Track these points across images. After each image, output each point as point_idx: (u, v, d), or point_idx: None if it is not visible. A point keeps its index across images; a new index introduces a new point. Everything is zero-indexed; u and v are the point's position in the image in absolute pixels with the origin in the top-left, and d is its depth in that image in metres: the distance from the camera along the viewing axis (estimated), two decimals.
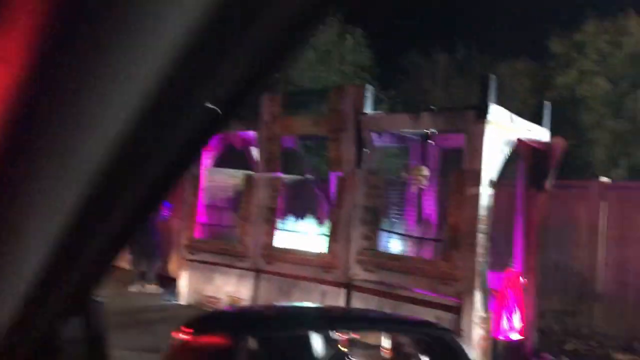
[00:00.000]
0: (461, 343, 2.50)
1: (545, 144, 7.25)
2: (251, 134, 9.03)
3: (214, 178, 9.61)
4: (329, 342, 2.97)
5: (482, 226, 6.30)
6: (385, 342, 5.61)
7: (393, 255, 7.18)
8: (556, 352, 7.40)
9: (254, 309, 3.89)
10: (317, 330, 2.25)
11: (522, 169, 7.36)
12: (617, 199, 8.62)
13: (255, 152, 9.58)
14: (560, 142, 7.12)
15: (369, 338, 5.81)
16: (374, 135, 7.33)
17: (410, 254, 7.26)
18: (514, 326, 6.76)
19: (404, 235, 7.23)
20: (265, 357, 2.29)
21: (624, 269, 8.39)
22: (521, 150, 7.15)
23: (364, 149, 7.38)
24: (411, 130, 7.63)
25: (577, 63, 15.30)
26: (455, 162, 8.08)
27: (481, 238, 6.29)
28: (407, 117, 7.12)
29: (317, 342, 2.62)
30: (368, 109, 7.48)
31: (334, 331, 2.55)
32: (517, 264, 7.18)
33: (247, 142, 9.48)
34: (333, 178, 8.83)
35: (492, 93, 6.42)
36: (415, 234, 7.19)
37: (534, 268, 7.26)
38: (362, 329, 2.84)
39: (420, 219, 8.05)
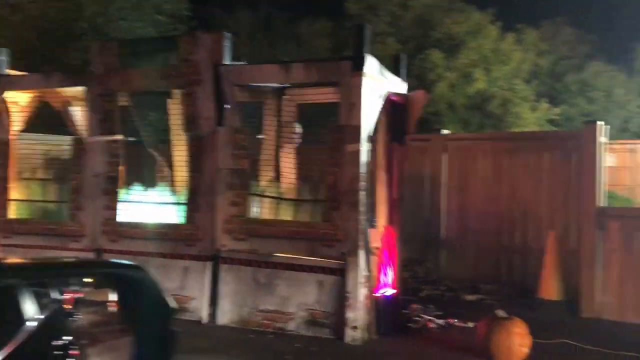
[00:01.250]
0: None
1: (405, 96, 7.22)
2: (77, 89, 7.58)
3: (28, 145, 7.93)
4: (50, 302, 2.85)
5: (363, 183, 6.06)
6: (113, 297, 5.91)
7: (265, 221, 6.61)
8: (417, 300, 7.64)
9: None
10: None
11: (384, 123, 7.27)
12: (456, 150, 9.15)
13: (78, 112, 8.13)
14: (422, 95, 7.15)
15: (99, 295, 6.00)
16: (236, 89, 6.57)
17: (283, 218, 6.75)
18: (388, 282, 6.75)
19: (277, 198, 6.69)
20: None
21: (465, 215, 8.99)
22: (384, 104, 7.03)
23: (225, 105, 6.60)
24: (266, 84, 7.06)
25: (371, 24, 16.35)
26: (314, 117, 7.75)
27: (362, 196, 6.06)
28: (276, 69, 6.49)
29: (27, 303, 2.49)
30: (227, 60, 6.67)
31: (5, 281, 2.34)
32: (383, 219, 7.15)
33: (67, 100, 7.98)
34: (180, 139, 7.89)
35: (367, 43, 6.12)
36: (289, 196, 6.70)
37: (398, 222, 7.31)
38: (37, 278, 2.63)
39: (280, 179, 7.55)
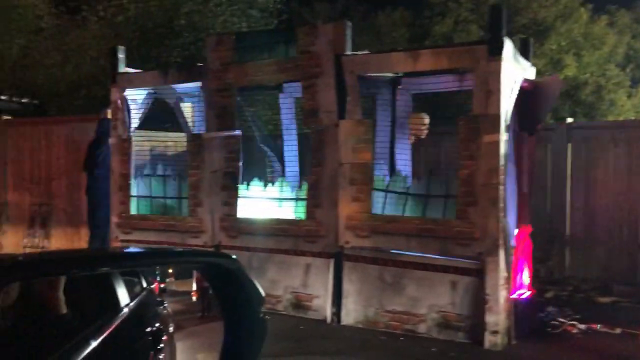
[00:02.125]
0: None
1: (536, 82, 6.67)
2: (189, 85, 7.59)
3: (146, 142, 8.03)
4: (142, 290, 3.00)
5: (502, 177, 5.62)
6: (194, 287, 6.34)
7: (390, 217, 6.29)
8: (550, 302, 7.09)
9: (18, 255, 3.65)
10: (79, 271, 1.99)
11: (514, 112, 6.76)
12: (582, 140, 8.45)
13: (189, 108, 8.16)
14: (557, 80, 6.58)
15: (180, 285, 6.54)
16: (358, 80, 6.28)
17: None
18: (524, 283, 6.28)
19: (403, 194, 6.36)
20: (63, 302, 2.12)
21: (593, 210, 8.29)
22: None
23: (348, 97, 6.33)
24: (380, 74, 6.73)
25: (453, 12, 15.71)
26: (429, 108, 7.36)
27: (502, 191, 5.61)
28: (403, 57, 6.14)
29: (121, 289, 2.58)
30: (348, 50, 6.39)
31: (103, 270, 2.34)
32: (515, 216, 6.65)
33: (180, 97, 8.02)
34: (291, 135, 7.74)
35: (504, 25, 5.65)
36: (415, 191, 6.34)
37: (528, 218, 6.79)
38: (134, 265, 2.63)
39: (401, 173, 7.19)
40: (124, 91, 7.72)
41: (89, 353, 1.97)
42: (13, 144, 10.95)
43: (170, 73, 7.60)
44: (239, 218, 7.00)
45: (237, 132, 7.06)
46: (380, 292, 6.14)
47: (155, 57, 12.94)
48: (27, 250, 10.27)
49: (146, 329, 2.73)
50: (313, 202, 6.54)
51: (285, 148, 7.75)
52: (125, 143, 7.75)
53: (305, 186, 6.76)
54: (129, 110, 7.74)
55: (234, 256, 2.31)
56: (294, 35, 6.62)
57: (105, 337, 2.16)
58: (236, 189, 7.04)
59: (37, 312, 2.10)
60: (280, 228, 6.73)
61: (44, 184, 10.51)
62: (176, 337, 3.41)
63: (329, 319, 6.37)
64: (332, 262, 6.44)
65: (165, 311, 3.34)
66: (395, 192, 6.40)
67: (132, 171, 7.70)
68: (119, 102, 7.74)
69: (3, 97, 13.85)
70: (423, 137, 6.80)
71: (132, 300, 2.71)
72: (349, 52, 6.37)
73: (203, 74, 7.20)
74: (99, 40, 13.86)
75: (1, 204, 11.01)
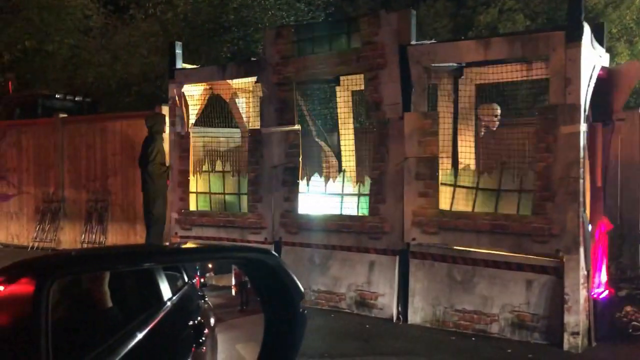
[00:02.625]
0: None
1: (613, 69, 6.31)
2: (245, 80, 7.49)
3: (204, 137, 8.00)
4: (184, 284, 3.10)
5: (582, 170, 5.32)
6: (234, 282, 6.71)
7: (459, 213, 6.05)
8: (628, 301, 6.72)
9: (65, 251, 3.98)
10: (125, 266, 2.08)
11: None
12: None
13: (242, 103, 8.07)
14: (636, 66, 6.20)
15: (220, 280, 7.08)
16: (424, 71, 6.06)
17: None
18: (602, 281, 5.96)
19: (472, 188, 6.11)
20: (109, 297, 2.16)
21: None
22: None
23: (413, 89, 6.11)
24: (446, 64, 6.47)
25: (497, 1, 15.21)
26: (492, 99, 7.05)
27: (582, 185, 5.32)
28: (473, 45, 5.87)
29: (164, 283, 2.66)
30: (413, 40, 6.18)
31: (149, 265, 2.40)
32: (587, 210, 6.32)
33: (235, 92, 7.94)
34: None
35: (583, 10, 5.33)
36: (489, 186, 6.09)
37: (602, 213, 6.44)
38: (177, 261, 2.79)
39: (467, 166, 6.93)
40: (182, 87, 7.69)
41: (134, 345, 2.03)
42: (69, 142, 11.12)
43: (229, 68, 7.52)
44: (299, 214, 6.89)
45: (297, 127, 6.93)
46: (449, 291, 5.93)
47: (205, 53, 12.98)
48: (85, 246, 10.43)
49: (188, 322, 2.78)
50: (376, 198, 6.36)
51: (342, 142, 7.59)
52: (184, 139, 7.73)
53: (367, 181, 6.58)
54: (187, 106, 7.70)
55: (273, 252, 2.34)
56: (356, 25, 6.44)
57: (149, 330, 2.22)
58: (297, 185, 6.93)
59: (84, 307, 2.16)
60: (342, 224, 6.59)
61: (100, 181, 10.63)
62: (217, 329, 3.46)
63: (394, 318, 6.20)
64: (397, 259, 6.25)
65: (206, 305, 3.41)
66: (464, 187, 6.16)
67: (192, 167, 7.67)
68: (177, 98, 7.72)
69: (58, 96, 14.14)
70: (494, 128, 6.52)
71: (174, 294, 2.76)
72: (413, 42, 6.15)
73: (262, 68, 7.10)
74: (148, 37, 13.98)
75: (58, 201, 11.22)
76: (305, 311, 2.08)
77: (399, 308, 6.23)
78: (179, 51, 7.81)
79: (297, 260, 6.79)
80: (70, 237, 10.90)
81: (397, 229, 6.21)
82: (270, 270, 2.06)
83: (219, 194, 7.71)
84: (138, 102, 14.53)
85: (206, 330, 2.89)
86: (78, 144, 11.03)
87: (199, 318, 2.92)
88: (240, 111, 8.04)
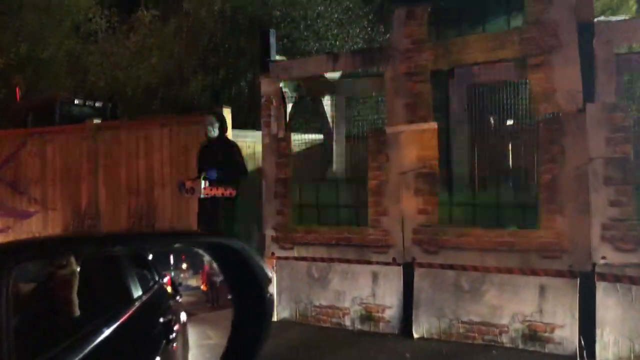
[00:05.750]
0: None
1: None
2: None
3: (304, 141, 6.81)
4: (155, 284, 3.15)
5: None
6: (204, 279, 7.06)
7: None
8: None
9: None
10: (88, 252, 2.04)
11: None
12: None
13: (329, 103, 6.90)
14: None
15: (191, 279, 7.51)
16: (614, 54, 5.01)
17: None
18: None
19: None
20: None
21: None
22: None
23: (597, 75, 5.05)
24: None
25: None
26: None
27: None
28: None
29: (134, 282, 2.70)
30: (593, 17, 5.13)
31: (113, 249, 2.37)
32: None
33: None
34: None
35: None
36: None
37: None
38: (142, 246, 2.73)
39: None
40: (279, 82, 6.49)
41: (101, 341, 2.02)
42: (105, 150, 9.80)
43: (341, 58, 6.35)
44: (440, 229, 5.73)
45: (433, 124, 5.80)
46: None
47: (245, 52, 11.84)
48: None
49: (158, 319, 2.80)
50: (549, 208, 5.25)
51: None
52: (282, 143, 6.52)
53: (534, 188, 5.47)
54: (284, 105, 6.51)
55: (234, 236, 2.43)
56: (519, 1, 5.36)
57: (117, 326, 2.21)
58: (434, 193, 5.78)
59: (49, 313, 2.07)
60: (502, 242, 5.45)
61: (144, 194, 9.33)
62: (188, 324, 3.50)
63: (577, 356, 5.07)
64: (577, 282, 5.13)
65: (178, 302, 3.49)
66: None
67: (292, 175, 6.47)
68: (273, 95, 6.52)
69: (77, 102, 12.81)
70: None
71: (144, 292, 2.78)
72: (595, 19, 5.11)
73: (386, 57, 5.96)
74: (180, 35, 12.78)
75: (92, 217, 9.87)
76: (271, 296, 2.10)
77: (581, 342, 5.11)
78: (272, 40, 6.62)
79: (438, 286, 5.63)
80: None
81: (581, 246, 5.10)
82: (237, 255, 2.04)
83: (329, 206, 6.47)
84: (165, 106, 13.31)
85: (177, 327, 2.95)
86: (116, 153, 9.71)
87: (169, 316, 2.95)
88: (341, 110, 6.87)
